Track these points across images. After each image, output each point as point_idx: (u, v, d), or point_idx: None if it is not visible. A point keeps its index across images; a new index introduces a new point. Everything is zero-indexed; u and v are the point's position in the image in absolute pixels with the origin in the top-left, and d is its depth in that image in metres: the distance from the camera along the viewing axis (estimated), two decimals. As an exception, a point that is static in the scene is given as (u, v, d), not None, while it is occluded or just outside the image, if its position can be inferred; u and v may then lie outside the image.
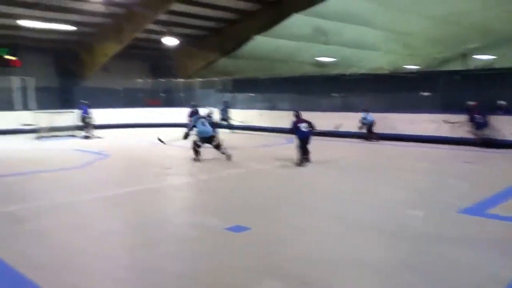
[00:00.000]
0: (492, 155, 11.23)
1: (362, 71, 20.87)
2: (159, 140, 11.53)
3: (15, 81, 18.29)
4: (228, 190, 7.34)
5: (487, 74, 14.58)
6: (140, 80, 23.10)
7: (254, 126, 17.85)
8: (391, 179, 8.03)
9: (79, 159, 10.56)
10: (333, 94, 18.18)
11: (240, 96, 20.85)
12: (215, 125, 11.36)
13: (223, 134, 13.18)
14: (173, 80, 22.84)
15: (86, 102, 16.15)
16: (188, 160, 10.09)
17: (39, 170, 9.06)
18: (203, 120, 10.39)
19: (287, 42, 21.24)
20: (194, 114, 12.61)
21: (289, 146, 11.32)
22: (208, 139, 10.20)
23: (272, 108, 18.62)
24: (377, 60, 25.85)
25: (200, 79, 22.12)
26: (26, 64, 20.00)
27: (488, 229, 4.94)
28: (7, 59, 18.78)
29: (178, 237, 4.83)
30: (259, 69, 22.37)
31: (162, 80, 22.89)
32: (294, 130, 9.62)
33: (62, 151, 12.38)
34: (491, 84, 13.78)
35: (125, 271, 3.90)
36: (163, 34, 18.79)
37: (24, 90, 18.45)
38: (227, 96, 19.99)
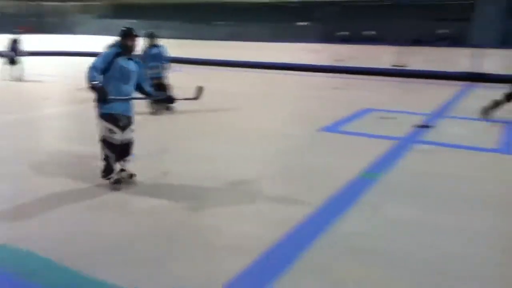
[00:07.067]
0: (356, 82, 12.57)
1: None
2: None
3: None
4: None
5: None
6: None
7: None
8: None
9: None
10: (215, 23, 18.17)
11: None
12: None
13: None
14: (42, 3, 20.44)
15: None
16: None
17: None
18: None
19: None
20: None
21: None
22: None
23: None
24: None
25: (73, 3, 20.15)
26: None
27: (340, 141, 5.92)
28: None
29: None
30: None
31: (31, 3, 20.28)
32: None
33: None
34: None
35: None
36: None
37: None
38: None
